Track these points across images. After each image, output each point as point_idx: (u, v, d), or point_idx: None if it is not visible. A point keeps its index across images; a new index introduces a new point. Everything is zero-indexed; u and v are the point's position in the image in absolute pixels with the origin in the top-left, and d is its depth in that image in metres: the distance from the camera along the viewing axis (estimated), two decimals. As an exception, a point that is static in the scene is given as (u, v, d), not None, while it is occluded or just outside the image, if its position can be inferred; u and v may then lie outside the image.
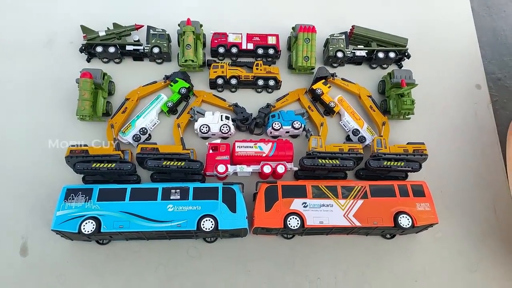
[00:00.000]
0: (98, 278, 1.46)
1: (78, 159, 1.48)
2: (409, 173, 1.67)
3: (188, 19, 1.73)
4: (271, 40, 1.85)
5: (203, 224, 1.38)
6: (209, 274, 1.49)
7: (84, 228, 1.34)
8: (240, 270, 1.50)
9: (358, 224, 1.44)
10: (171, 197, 1.43)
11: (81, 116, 1.60)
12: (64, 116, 1.70)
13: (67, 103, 1.71)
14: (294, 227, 1.42)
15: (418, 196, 1.52)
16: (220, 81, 1.76)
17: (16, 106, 1.72)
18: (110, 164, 1.47)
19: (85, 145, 1.54)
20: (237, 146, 1.59)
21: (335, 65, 1.91)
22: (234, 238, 1.53)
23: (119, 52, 1.77)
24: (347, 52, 1.85)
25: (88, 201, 1.40)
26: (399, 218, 1.46)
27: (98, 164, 1.46)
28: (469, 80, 1.99)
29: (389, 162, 1.57)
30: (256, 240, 1.55)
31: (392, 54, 1.87)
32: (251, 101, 1.80)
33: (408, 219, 1.46)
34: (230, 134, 1.68)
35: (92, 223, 1.35)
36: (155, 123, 1.70)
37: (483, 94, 1.96)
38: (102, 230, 1.35)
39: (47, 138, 1.65)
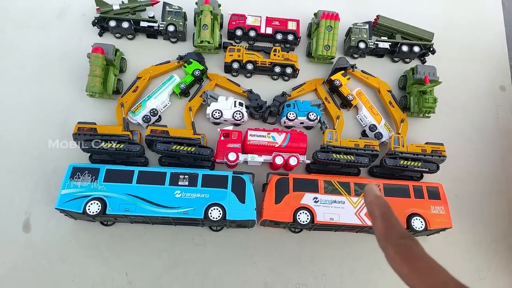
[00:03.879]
0: (101, 259, 1.43)
1: (86, 137, 1.43)
2: (424, 174, 1.62)
3: (207, -3, 1.65)
4: (291, 26, 1.77)
5: (210, 213, 1.35)
6: (213, 263, 1.46)
7: (89, 209, 1.31)
8: (246, 261, 1.47)
9: (369, 223, 1.39)
10: (179, 183, 1.39)
11: (90, 93, 1.54)
12: (73, 91, 1.64)
13: (76, 77, 1.65)
14: (303, 222, 1.38)
15: (433, 199, 1.47)
16: (235, 65, 1.69)
17: (24, 78, 1.66)
18: (118, 145, 1.42)
19: (94, 123, 1.49)
20: (250, 135, 1.53)
21: (355, 56, 1.83)
22: (241, 229, 1.50)
23: (132, 27, 1.69)
24: (370, 43, 1.76)
25: (94, 181, 1.36)
26: (412, 221, 1.42)
27: (106, 144, 1.42)
28: (493, 80, 1.91)
29: (406, 162, 1.52)
30: (263, 232, 1.51)
31: (416, 48, 1.78)
32: (266, 88, 1.73)
33: (421, 222, 1.42)
34: (243, 122, 1.63)
35: (97, 204, 1.32)
36: (166, 105, 1.64)
37: (507, 96, 1.88)
38: (107, 212, 1.31)
39: (55, 113, 1.61)
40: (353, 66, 1.76)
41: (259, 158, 1.54)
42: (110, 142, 1.42)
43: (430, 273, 0.44)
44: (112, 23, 1.67)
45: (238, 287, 1.44)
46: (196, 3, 1.68)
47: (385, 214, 0.53)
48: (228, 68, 1.73)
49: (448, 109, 1.78)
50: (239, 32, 1.75)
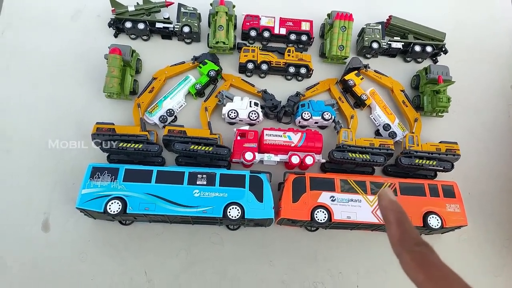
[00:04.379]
0: (119, 258, 1.44)
1: (105, 137, 1.45)
2: (438, 173, 1.63)
3: (222, -1, 1.66)
4: (305, 26, 1.78)
5: (229, 212, 1.36)
6: (230, 262, 1.47)
7: (110, 208, 1.32)
8: (262, 260, 1.49)
9: (386, 221, 1.40)
10: (198, 182, 1.40)
11: (108, 93, 1.55)
12: (89, 91, 1.66)
13: (92, 78, 1.67)
14: (321, 220, 1.39)
15: (448, 197, 1.49)
16: (250, 65, 1.71)
17: (40, 78, 1.68)
18: (137, 145, 1.44)
19: (112, 123, 1.50)
20: (266, 134, 1.55)
21: (368, 56, 1.85)
22: (257, 227, 1.51)
23: (148, 29, 1.71)
24: (383, 43, 1.78)
25: (114, 181, 1.37)
26: (429, 219, 1.43)
27: (125, 143, 1.43)
28: (504, 80, 1.92)
29: (420, 160, 1.53)
30: (279, 231, 1.52)
31: (429, 48, 1.80)
32: (280, 88, 1.74)
33: (437, 220, 1.43)
34: (258, 121, 1.64)
35: (118, 203, 1.33)
36: (182, 105, 1.66)
37: (518, 95, 1.90)
38: (128, 211, 1.32)
39: (71, 114, 1.62)
40: (366, 66, 1.77)
41: (275, 158, 1.55)
42: (129, 142, 1.44)
43: (446, 281, 0.44)
44: (128, 24, 1.69)
45: (255, 285, 1.45)
46: (211, 4, 1.69)
47: (400, 220, 0.53)
48: (242, 69, 1.74)
49: (460, 108, 1.80)
50: (253, 33, 1.77)
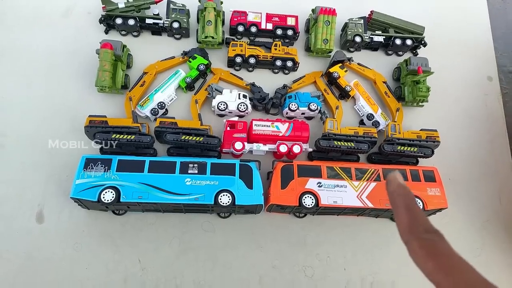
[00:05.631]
0: (113, 247, 1.48)
1: (97, 129, 1.48)
2: (420, 159, 1.71)
3: (210, -5, 1.72)
4: (290, 21, 1.85)
5: (220, 199, 1.41)
6: (222, 248, 1.52)
7: (104, 197, 1.36)
8: (253, 246, 1.54)
9: (370, 205, 1.47)
10: (189, 171, 1.45)
11: (100, 87, 1.59)
12: (81, 87, 1.70)
13: (84, 74, 1.70)
14: (309, 205, 1.45)
15: (429, 181, 1.56)
16: (238, 59, 1.76)
17: (34, 75, 1.71)
18: (129, 136, 1.48)
19: (105, 116, 1.54)
20: (255, 125, 1.60)
21: (351, 49, 1.92)
22: (248, 215, 1.56)
23: (138, 25, 1.76)
24: (365, 37, 1.86)
25: (107, 171, 1.41)
26: (411, 201, 1.50)
27: (118, 135, 1.47)
28: (481, 71, 2.01)
29: (402, 147, 1.60)
30: (269, 218, 1.58)
31: (409, 42, 1.89)
32: (268, 81, 1.80)
33: (419, 203, 1.50)
34: (247, 113, 1.70)
35: (111, 192, 1.37)
36: (173, 98, 1.70)
37: (494, 85, 1.99)
38: (121, 200, 1.36)
39: (64, 109, 1.65)
40: (349, 59, 1.85)
41: (264, 147, 1.61)
42: (122, 134, 1.48)
43: (457, 271, 0.41)
44: (119, 21, 1.73)
45: (247, 270, 1.50)
46: (200, 1, 1.75)
47: (409, 205, 0.49)
48: (231, 63, 1.80)
49: (440, 98, 1.88)
50: (240, 28, 1.83)
